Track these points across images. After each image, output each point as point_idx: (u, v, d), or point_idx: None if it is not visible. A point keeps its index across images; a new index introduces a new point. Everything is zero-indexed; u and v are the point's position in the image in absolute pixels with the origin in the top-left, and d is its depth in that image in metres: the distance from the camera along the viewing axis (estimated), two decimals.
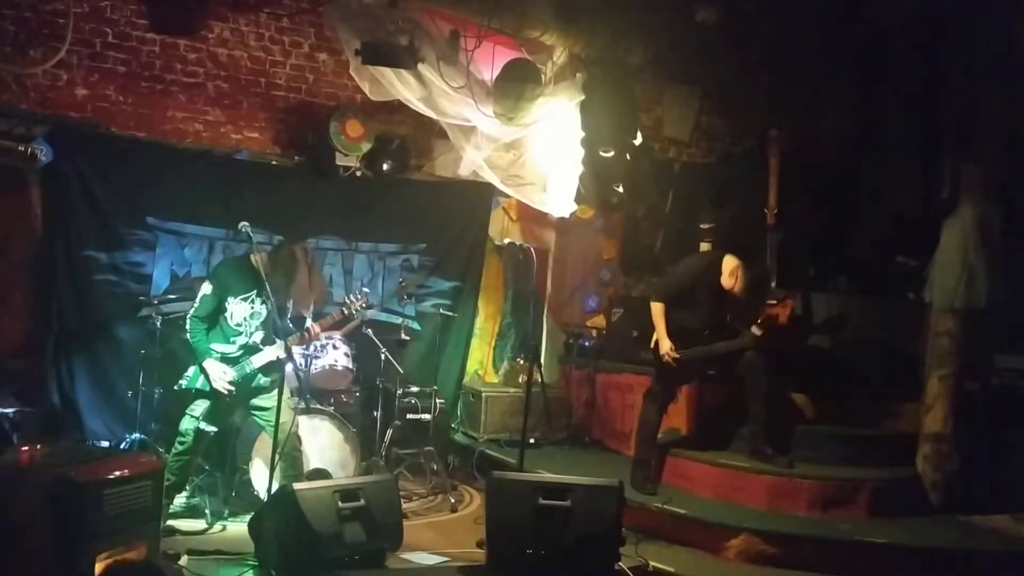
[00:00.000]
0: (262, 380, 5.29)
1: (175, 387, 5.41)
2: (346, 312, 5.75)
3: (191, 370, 5.29)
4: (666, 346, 5.69)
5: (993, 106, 6.09)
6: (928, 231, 6.30)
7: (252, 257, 5.19)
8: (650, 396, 5.96)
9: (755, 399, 5.81)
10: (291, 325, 5.81)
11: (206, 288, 5.22)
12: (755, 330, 5.70)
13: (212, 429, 5.35)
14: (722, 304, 5.87)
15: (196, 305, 5.22)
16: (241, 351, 5.28)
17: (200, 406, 5.22)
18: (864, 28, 7.24)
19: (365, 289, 6.10)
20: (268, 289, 5.04)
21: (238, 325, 5.26)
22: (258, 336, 5.32)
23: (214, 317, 5.23)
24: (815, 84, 7.77)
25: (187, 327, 5.23)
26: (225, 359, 5.23)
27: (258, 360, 5.29)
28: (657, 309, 5.79)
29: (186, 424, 5.22)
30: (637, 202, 7.79)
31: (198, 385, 5.22)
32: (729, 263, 5.78)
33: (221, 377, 5.16)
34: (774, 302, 6.10)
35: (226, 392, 5.18)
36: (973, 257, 5.94)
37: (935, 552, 5.16)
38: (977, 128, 6.14)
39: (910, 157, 7.38)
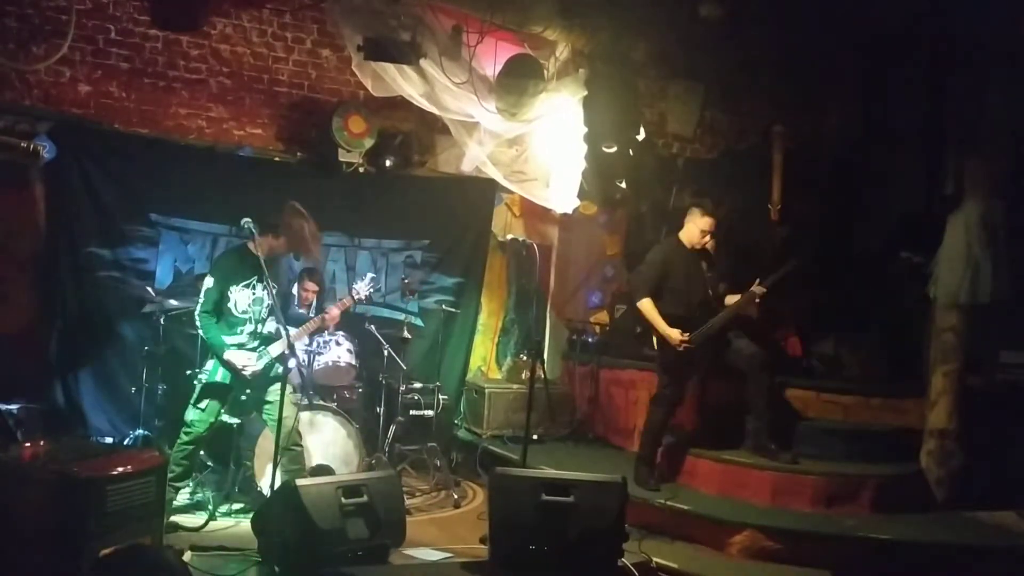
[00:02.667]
0: (279, 370, 5.28)
1: (194, 381, 5.40)
2: (356, 298, 5.71)
3: (209, 364, 5.30)
4: (675, 335, 5.65)
5: (998, 101, 6.06)
6: (932, 227, 6.28)
7: (250, 244, 5.19)
8: (658, 401, 5.89)
9: (757, 395, 5.80)
10: (301, 312, 5.80)
11: (208, 282, 5.23)
12: (757, 288, 5.70)
13: (235, 421, 5.38)
14: (700, 281, 5.85)
15: (201, 300, 5.22)
16: (255, 341, 5.28)
17: (208, 399, 5.23)
18: (868, 24, 7.21)
19: (371, 274, 6.06)
20: (268, 277, 5.03)
21: (243, 312, 5.26)
22: (270, 325, 5.32)
23: (220, 308, 5.24)
24: (819, 80, 7.75)
25: (198, 324, 5.24)
26: (241, 349, 5.24)
27: (274, 350, 5.29)
28: (647, 305, 5.77)
29: (191, 415, 5.24)
30: (640, 198, 7.77)
31: (218, 379, 5.23)
32: (686, 232, 5.85)
33: (248, 363, 5.19)
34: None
35: (254, 375, 5.21)
36: (977, 253, 5.92)
37: (939, 548, 5.15)
38: (982, 124, 6.12)
39: (914, 153, 7.36)
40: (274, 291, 5.06)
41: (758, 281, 5.75)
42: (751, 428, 5.88)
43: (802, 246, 7.32)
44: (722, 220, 6.01)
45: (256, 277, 5.23)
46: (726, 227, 6.89)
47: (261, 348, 5.29)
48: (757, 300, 5.78)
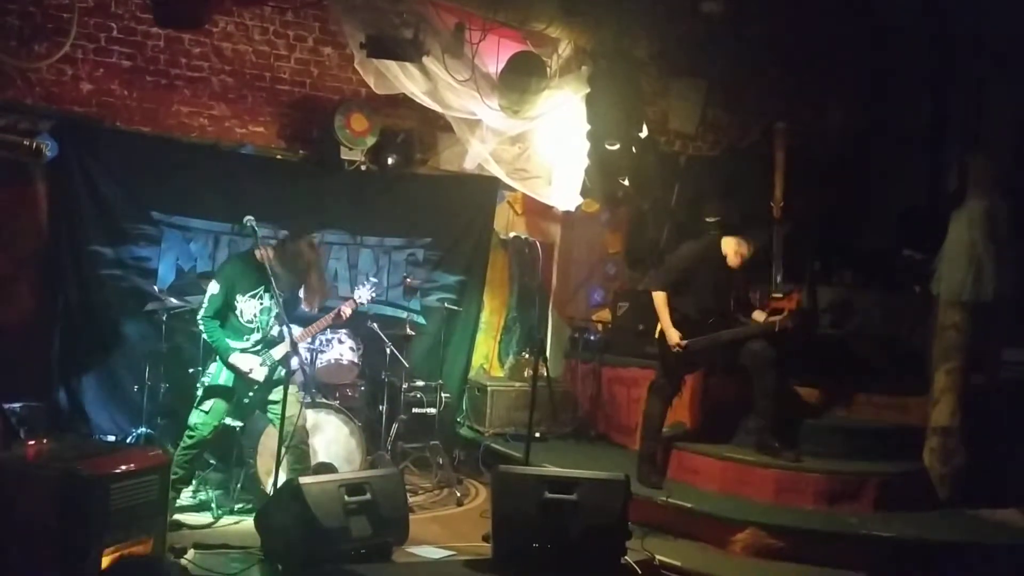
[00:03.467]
0: (282, 372, 5.28)
1: (197, 384, 5.39)
2: (357, 303, 5.71)
3: (212, 367, 5.28)
4: (674, 336, 5.66)
5: (1001, 98, 6.06)
6: (935, 224, 6.27)
7: (257, 253, 5.18)
8: (654, 389, 5.95)
9: (762, 393, 5.79)
10: (305, 309, 5.78)
11: (213, 287, 5.20)
12: (764, 317, 5.68)
13: (238, 424, 5.37)
14: (723, 290, 5.85)
15: (204, 305, 5.20)
16: (259, 345, 5.28)
17: (212, 401, 5.23)
18: (871, 20, 7.21)
19: (373, 279, 6.06)
20: (275, 284, 5.03)
21: (249, 322, 5.25)
22: (275, 330, 5.32)
23: (224, 314, 5.22)
24: (821, 77, 7.75)
25: (200, 328, 5.21)
26: (245, 352, 5.23)
27: (277, 352, 5.28)
28: (660, 298, 5.78)
29: (195, 418, 5.23)
30: (643, 195, 7.76)
31: (221, 381, 5.21)
32: (729, 244, 5.84)
33: (255, 366, 5.18)
34: (780, 295, 6.07)
35: (262, 379, 5.21)
36: (980, 250, 5.91)
37: (942, 546, 5.14)
38: (985, 120, 6.12)
39: (917, 150, 7.36)
40: (281, 298, 5.05)
41: (786, 314, 5.73)
42: (754, 426, 5.88)
43: (804, 244, 7.33)
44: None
45: (263, 287, 5.21)
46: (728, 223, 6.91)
47: (264, 351, 5.29)
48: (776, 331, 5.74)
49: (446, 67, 6.18)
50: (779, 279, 6.80)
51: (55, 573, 3.81)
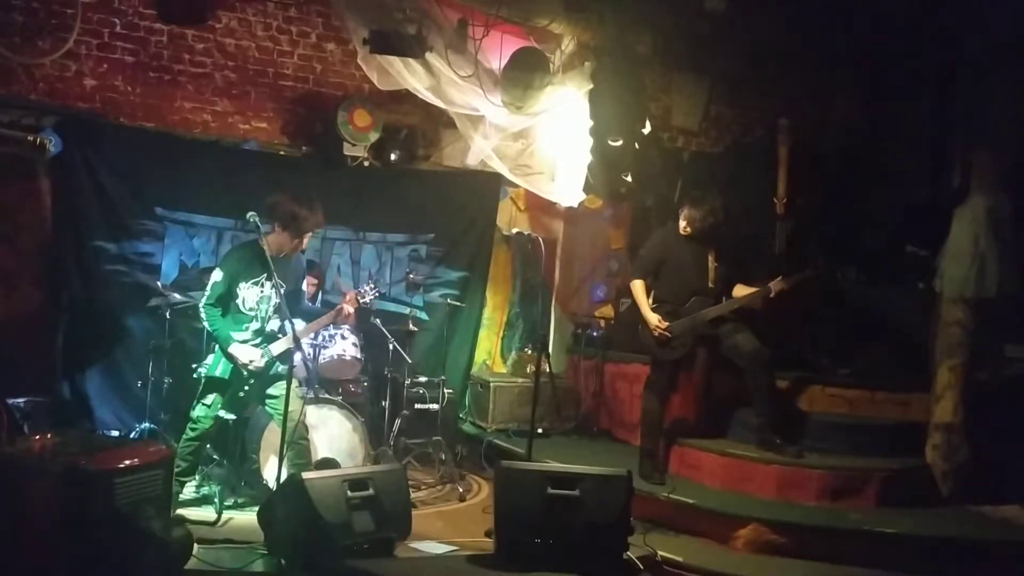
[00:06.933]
0: (280, 368, 5.29)
1: (194, 375, 5.40)
2: (361, 301, 5.70)
3: (210, 358, 5.31)
4: (653, 319, 5.70)
5: (1005, 94, 6.05)
6: (939, 220, 6.27)
7: (261, 241, 5.19)
8: (649, 385, 5.97)
9: (757, 391, 5.79)
10: (311, 305, 5.78)
11: (216, 275, 5.23)
12: (775, 284, 5.66)
13: (231, 417, 5.38)
14: (698, 270, 5.83)
15: (207, 292, 5.23)
16: (259, 338, 5.29)
17: (213, 394, 5.24)
18: (875, 16, 7.19)
19: (373, 281, 6.07)
20: (276, 275, 5.04)
21: (250, 310, 5.27)
22: (274, 323, 5.32)
23: (226, 303, 5.24)
24: (825, 73, 7.73)
25: (203, 316, 5.24)
26: (245, 344, 5.24)
27: (276, 348, 5.29)
28: (637, 286, 5.83)
29: (197, 411, 5.25)
30: (645, 192, 7.76)
31: (217, 373, 5.23)
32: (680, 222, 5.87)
33: (253, 358, 5.18)
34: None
35: (257, 370, 5.21)
36: (984, 246, 5.91)
37: (944, 542, 5.15)
38: (989, 116, 6.10)
39: (921, 146, 7.34)
40: (282, 290, 5.06)
41: (780, 278, 5.71)
42: (756, 422, 5.88)
43: (807, 240, 7.32)
44: (715, 212, 5.93)
45: (265, 275, 5.23)
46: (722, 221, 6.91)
47: (264, 345, 5.30)
48: (771, 296, 5.74)
49: (449, 63, 6.18)
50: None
51: (60, 568, 3.83)
